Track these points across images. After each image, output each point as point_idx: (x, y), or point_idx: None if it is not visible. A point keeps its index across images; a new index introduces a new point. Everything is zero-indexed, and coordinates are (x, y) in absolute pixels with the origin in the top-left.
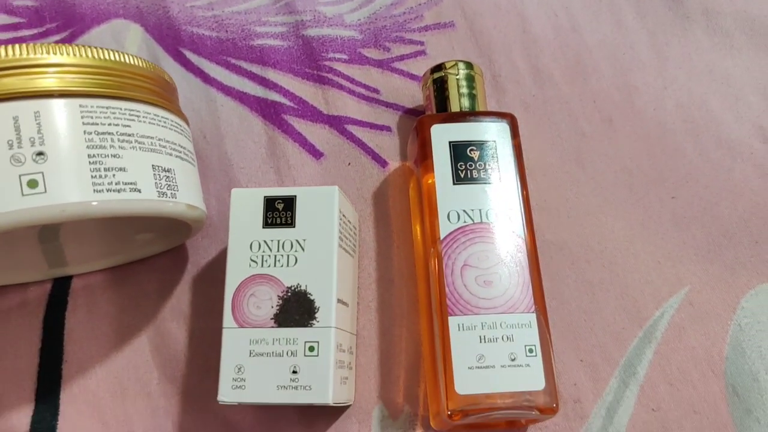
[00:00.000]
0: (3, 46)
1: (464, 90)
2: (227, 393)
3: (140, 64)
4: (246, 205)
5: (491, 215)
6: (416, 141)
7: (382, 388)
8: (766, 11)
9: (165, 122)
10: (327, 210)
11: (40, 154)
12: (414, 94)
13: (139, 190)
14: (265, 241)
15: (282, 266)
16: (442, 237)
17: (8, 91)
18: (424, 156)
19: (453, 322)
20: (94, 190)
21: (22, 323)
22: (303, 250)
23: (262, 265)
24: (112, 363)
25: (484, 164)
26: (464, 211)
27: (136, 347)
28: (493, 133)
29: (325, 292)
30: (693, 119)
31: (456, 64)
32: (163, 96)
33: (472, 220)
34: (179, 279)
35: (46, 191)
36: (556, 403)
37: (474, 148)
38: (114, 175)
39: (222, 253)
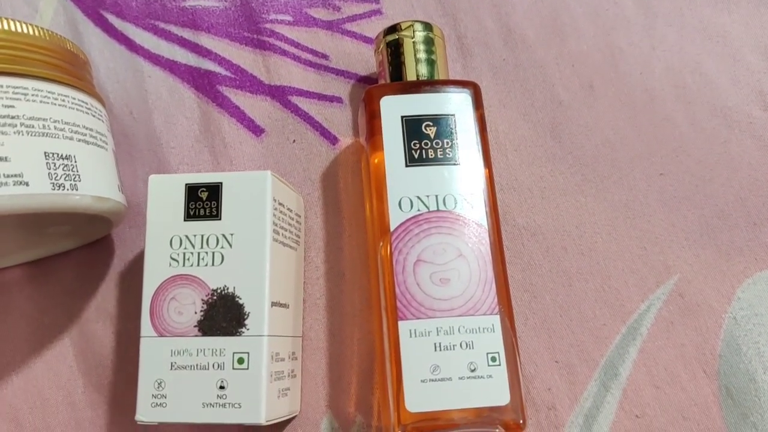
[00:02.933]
0: None
1: (422, 55)
2: (146, 412)
3: (32, 32)
4: (166, 195)
5: (449, 202)
6: (365, 114)
7: (331, 396)
8: None
9: (65, 101)
10: (258, 199)
11: None
12: (368, 60)
13: (27, 183)
14: (187, 236)
15: (207, 265)
16: (392, 228)
17: None
18: (372, 132)
19: (404, 327)
20: None
21: None
22: (230, 246)
23: (183, 264)
24: (30, 370)
25: (442, 142)
26: (418, 197)
27: (58, 352)
28: (453, 106)
29: (256, 296)
30: (684, 84)
31: (412, 26)
32: (66, 70)
33: (427, 207)
34: (104, 274)
35: None
36: (523, 419)
37: (430, 123)
38: None
39: None
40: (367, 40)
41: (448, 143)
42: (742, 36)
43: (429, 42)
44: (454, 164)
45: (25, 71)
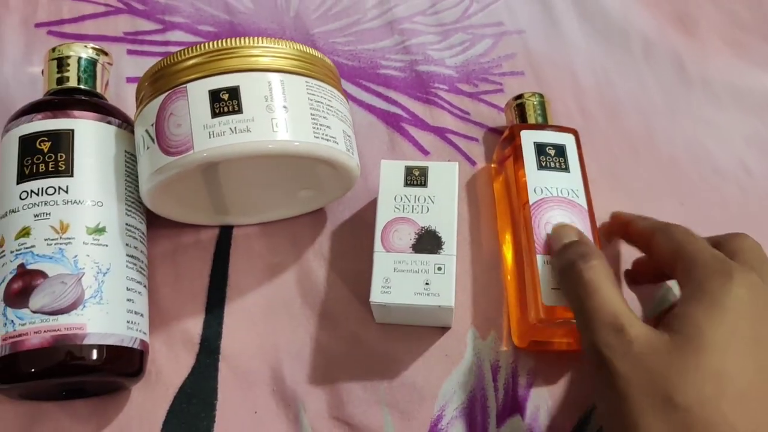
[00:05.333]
0: (270, 38)
1: (539, 111)
2: (377, 296)
3: (330, 62)
4: (392, 171)
5: (563, 192)
6: (510, 144)
7: (474, 317)
8: (745, 83)
9: (344, 103)
10: (450, 177)
11: (284, 107)
12: (494, 118)
13: (337, 143)
14: (405, 195)
15: (417, 213)
16: (531, 203)
17: (265, 66)
18: (516, 156)
19: (539, 259)
20: (314, 136)
21: (196, 255)
22: (433, 202)
23: (403, 211)
24: (263, 289)
25: (557, 159)
26: (545, 187)
27: (284, 280)
28: (563, 140)
29: (449, 232)
30: (695, 154)
31: (534, 94)
32: (340, 85)
33: (551, 194)
34: (320, 232)
35: (287, 131)
36: None
37: (551, 147)
38: (324, 130)
39: (354, 217)
40: (494, 106)
41: (562, 160)
42: (730, 128)
43: (542, 104)
44: (567, 171)
45: (331, 83)
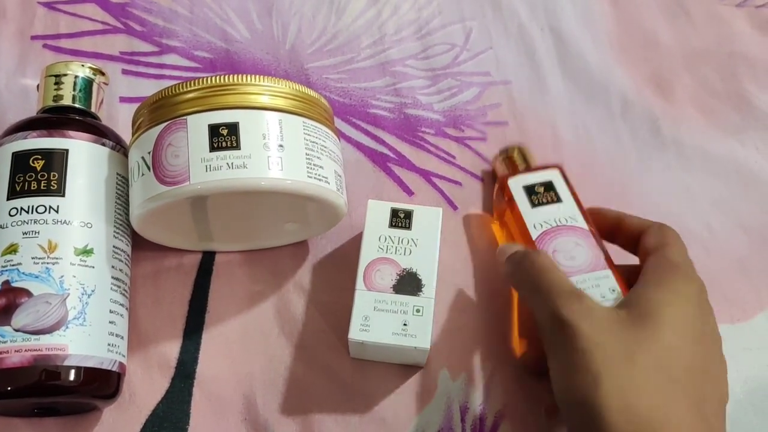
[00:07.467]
0: (271, 77)
1: (522, 160)
2: (356, 334)
3: (326, 102)
4: (378, 212)
5: (562, 220)
6: (503, 196)
7: (446, 358)
8: (715, 148)
9: (337, 143)
10: (434, 221)
11: (280, 146)
12: (476, 163)
13: (329, 183)
14: (389, 236)
15: (400, 254)
16: (534, 238)
17: (264, 105)
18: (511, 206)
19: None
20: (307, 176)
21: (178, 280)
22: (415, 245)
23: (386, 252)
24: (242, 317)
25: (548, 194)
26: (543, 221)
27: (262, 309)
28: (548, 177)
29: (429, 275)
30: (665, 212)
31: (514, 147)
32: (334, 125)
33: (550, 225)
34: (301, 264)
35: (282, 170)
36: None
37: (539, 185)
38: (317, 170)
39: (335, 251)
40: (478, 153)
41: (552, 194)
42: (698, 190)
43: (524, 154)
44: (560, 202)
45: (327, 123)
